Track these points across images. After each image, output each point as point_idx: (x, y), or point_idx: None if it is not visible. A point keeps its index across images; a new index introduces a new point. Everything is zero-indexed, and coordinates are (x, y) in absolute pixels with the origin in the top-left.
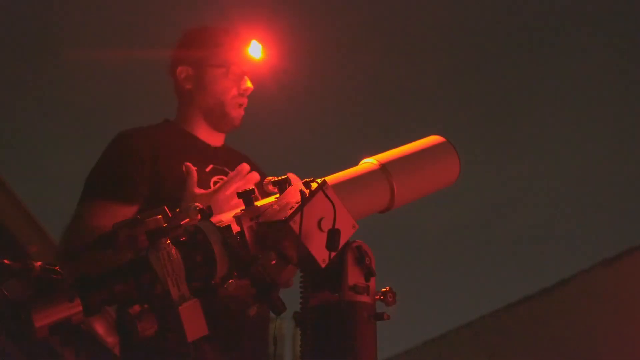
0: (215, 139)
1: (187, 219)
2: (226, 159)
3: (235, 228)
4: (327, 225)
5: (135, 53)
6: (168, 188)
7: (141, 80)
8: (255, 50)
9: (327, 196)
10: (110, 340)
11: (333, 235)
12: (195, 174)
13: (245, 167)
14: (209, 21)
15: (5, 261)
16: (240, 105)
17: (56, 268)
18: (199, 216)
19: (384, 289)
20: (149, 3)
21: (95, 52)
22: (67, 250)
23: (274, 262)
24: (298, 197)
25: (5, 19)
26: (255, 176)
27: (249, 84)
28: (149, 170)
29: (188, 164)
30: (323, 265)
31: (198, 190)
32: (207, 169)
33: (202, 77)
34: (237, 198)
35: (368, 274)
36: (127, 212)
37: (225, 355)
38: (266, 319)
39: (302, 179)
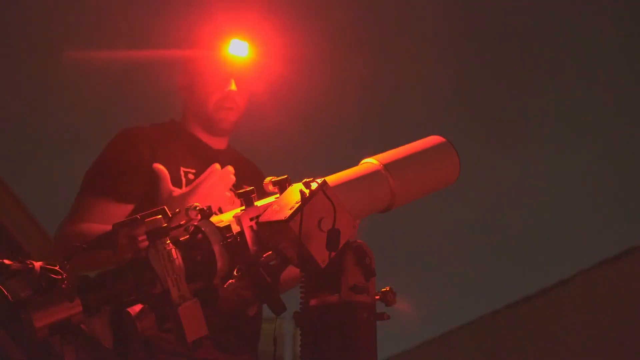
0: (217, 142)
1: (187, 219)
2: (227, 162)
3: (235, 228)
4: (327, 226)
5: (136, 54)
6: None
7: (142, 81)
8: (239, 49)
9: (327, 196)
10: (111, 340)
11: (333, 235)
12: (167, 175)
13: (216, 166)
14: (194, 20)
15: (5, 261)
16: (229, 108)
17: (56, 268)
18: (199, 216)
19: (384, 289)
20: (144, 5)
21: (96, 52)
22: (60, 247)
23: (274, 262)
24: (298, 197)
25: (6, 19)
26: (228, 172)
27: (232, 87)
28: (146, 169)
29: (157, 165)
30: (323, 266)
31: (175, 192)
32: None
33: (191, 85)
34: (213, 197)
35: (368, 274)
36: (121, 210)
37: (220, 355)
38: (259, 319)
39: (302, 179)
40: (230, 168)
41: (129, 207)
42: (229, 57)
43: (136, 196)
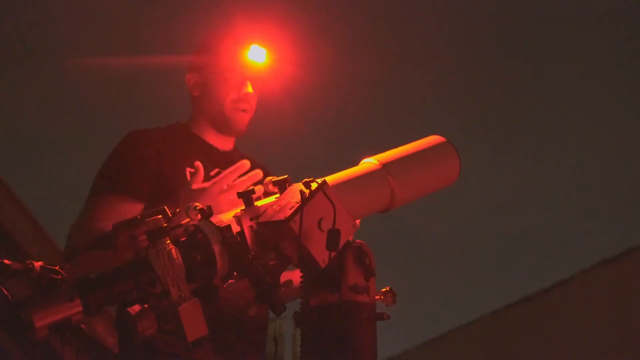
0: (223, 143)
1: (187, 219)
2: (234, 163)
3: (235, 228)
4: (327, 226)
5: (138, 55)
6: (170, 189)
7: (144, 83)
8: (257, 55)
9: (327, 196)
10: (110, 340)
11: (333, 235)
12: (202, 172)
13: (246, 164)
14: (216, 26)
15: (5, 261)
16: (243, 110)
17: (56, 268)
18: (199, 216)
19: (384, 289)
20: (155, 7)
21: (98, 53)
22: (72, 248)
23: (274, 262)
24: (298, 197)
25: (8, 19)
26: (257, 175)
27: (249, 89)
28: (153, 170)
29: (198, 163)
30: (323, 266)
31: (195, 185)
32: (212, 173)
33: (206, 84)
34: (233, 193)
35: (368, 274)
36: (134, 208)
37: (221, 356)
38: (264, 320)
39: (302, 179)
40: (255, 171)
41: (140, 206)
42: (247, 61)
43: (147, 195)
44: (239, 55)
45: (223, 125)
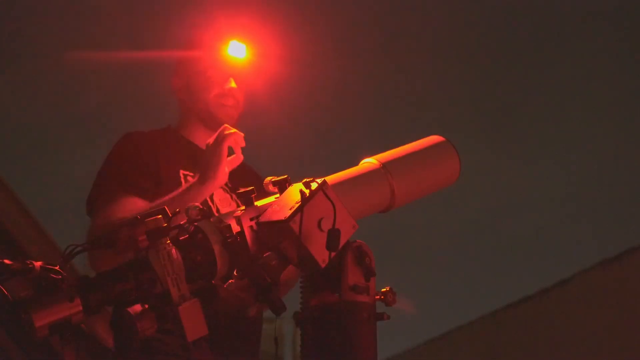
0: None
1: (187, 219)
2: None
3: (235, 228)
4: (327, 226)
5: (138, 56)
6: (164, 191)
7: (143, 84)
8: (237, 50)
9: (327, 196)
10: (110, 340)
11: (333, 235)
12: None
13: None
14: (195, 22)
15: (5, 261)
16: (229, 105)
17: (56, 268)
18: (199, 216)
19: (384, 289)
20: (147, 5)
21: (97, 53)
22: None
23: (274, 262)
24: (298, 197)
25: (6, 17)
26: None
27: (232, 84)
28: (152, 171)
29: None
30: (323, 266)
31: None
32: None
33: (189, 85)
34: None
35: (368, 274)
36: (144, 206)
37: (218, 356)
38: (259, 320)
39: (302, 179)
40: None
41: (147, 205)
42: (227, 57)
43: (150, 195)
44: (219, 53)
45: (210, 121)
